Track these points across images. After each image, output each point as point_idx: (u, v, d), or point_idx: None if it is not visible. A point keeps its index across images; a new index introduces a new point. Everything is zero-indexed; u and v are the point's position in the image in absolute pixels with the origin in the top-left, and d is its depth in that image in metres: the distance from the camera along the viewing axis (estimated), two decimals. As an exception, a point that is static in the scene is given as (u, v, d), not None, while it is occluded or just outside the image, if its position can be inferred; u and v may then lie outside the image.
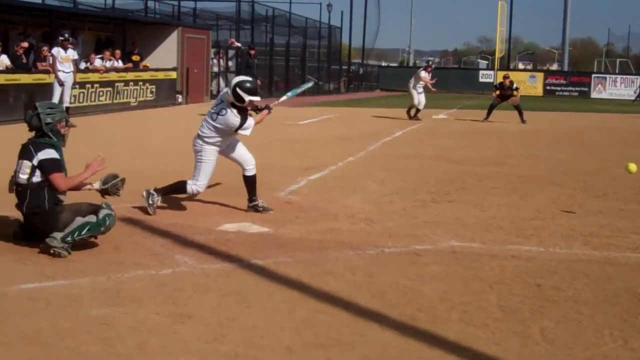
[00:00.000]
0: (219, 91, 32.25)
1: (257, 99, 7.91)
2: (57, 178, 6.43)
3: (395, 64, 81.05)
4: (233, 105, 7.86)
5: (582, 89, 48.83)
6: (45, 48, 19.06)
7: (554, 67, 75.46)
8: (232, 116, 7.87)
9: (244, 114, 7.93)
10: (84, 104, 21.30)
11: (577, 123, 24.44)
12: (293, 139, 16.71)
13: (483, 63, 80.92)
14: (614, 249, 7.05)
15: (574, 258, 6.65)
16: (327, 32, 46.05)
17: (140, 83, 24.72)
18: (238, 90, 7.83)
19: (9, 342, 4.35)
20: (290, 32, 39.56)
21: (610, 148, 16.63)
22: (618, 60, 69.42)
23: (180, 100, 27.45)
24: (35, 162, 6.38)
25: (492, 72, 51.39)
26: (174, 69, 27.04)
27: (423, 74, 22.99)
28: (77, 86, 19.72)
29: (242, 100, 7.84)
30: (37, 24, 22.90)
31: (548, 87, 49.39)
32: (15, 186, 6.50)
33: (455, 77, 51.98)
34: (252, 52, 24.53)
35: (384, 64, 71.36)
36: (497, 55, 53.80)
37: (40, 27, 22.83)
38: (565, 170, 12.37)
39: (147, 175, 10.53)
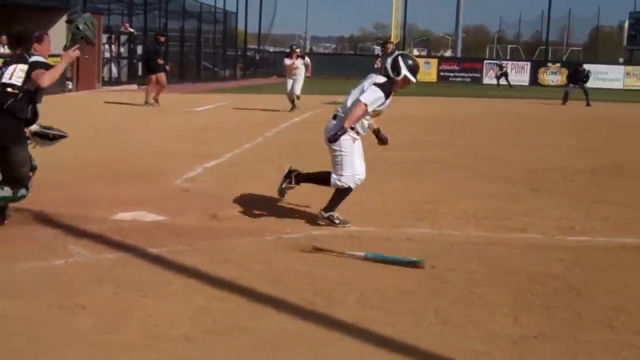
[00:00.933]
0: (110, 78, 31.60)
1: (413, 80, 7.13)
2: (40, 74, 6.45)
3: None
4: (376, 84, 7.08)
5: (475, 75, 50.01)
6: None
7: (448, 53, 77.01)
8: (377, 91, 7.03)
9: (387, 92, 7.11)
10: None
11: (471, 109, 25.05)
12: (189, 126, 16.50)
13: (378, 49, 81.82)
14: (506, 229, 7.28)
15: (467, 240, 6.83)
16: (223, 17, 45.59)
17: (29, 69, 23.92)
18: (400, 61, 7.10)
19: None
20: (185, 17, 39.01)
21: (503, 132, 17.13)
22: (509, 46, 71.31)
23: (70, 87, 26.71)
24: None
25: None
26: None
27: (287, 61, 21.57)
28: None
29: (399, 71, 7.07)
30: None
31: (442, 73, 50.35)
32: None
33: (352, 63, 52.38)
34: (162, 38, 23.51)
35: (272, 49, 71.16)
36: (393, 41, 54.55)
37: None
38: (460, 154, 12.67)
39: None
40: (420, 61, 52.27)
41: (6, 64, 6.69)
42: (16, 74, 6.52)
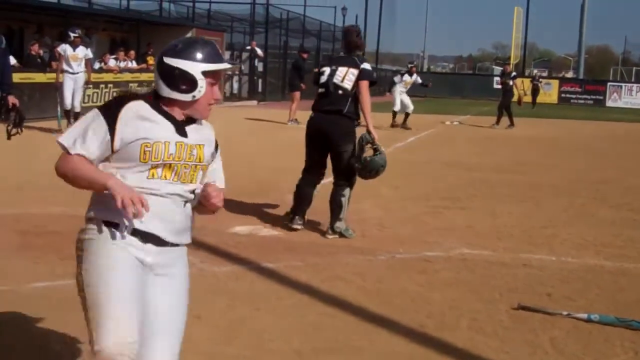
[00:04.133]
0: (232, 92, 32.35)
1: None
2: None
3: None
4: None
5: (598, 97, 48.55)
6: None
7: (570, 74, 75.17)
8: None
9: None
10: (98, 103, 21.37)
11: (592, 131, 24.33)
12: (301, 142, 16.61)
13: (498, 69, 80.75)
14: (626, 259, 7.01)
15: (585, 268, 6.62)
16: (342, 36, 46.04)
17: (154, 84, 24.76)
18: None
19: (15, 344, 4.36)
20: (305, 35, 39.57)
21: (625, 157, 16.55)
22: (634, 68, 69.05)
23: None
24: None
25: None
26: (188, 70, 27.06)
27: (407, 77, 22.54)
28: (90, 86, 19.22)
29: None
30: (52, 24, 23.01)
31: (563, 95, 49.11)
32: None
33: (470, 83, 51.85)
34: (306, 55, 23.66)
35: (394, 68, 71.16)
36: (512, 61, 53.62)
37: (56, 26, 22.95)
38: (578, 179, 12.32)
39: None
40: (542, 82, 51.45)
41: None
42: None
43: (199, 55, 2.94)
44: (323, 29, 42.82)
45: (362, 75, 7.29)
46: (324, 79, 7.35)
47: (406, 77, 22.50)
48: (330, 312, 5.10)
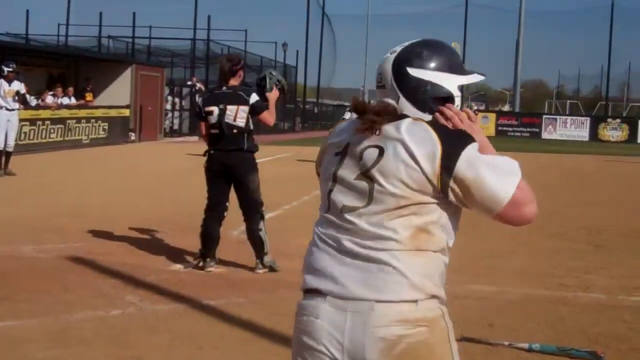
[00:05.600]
0: (172, 129, 32.17)
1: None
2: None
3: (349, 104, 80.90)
4: None
5: (534, 129, 49.58)
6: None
7: (506, 108, 76.61)
8: None
9: None
10: (35, 140, 21.03)
11: (529, 164, 24.73)
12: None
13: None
14: (566, 288, 7.11)
15: (526, 297, 6.69)
16: (283, 70, 46.27)
17: (93, 120, 24.52)
18: None
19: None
20: (246, 71, 39.60)
21: (563, 189, 16.86)
22: (568, 101, 70.75)
23: (133, 137, 27.26)
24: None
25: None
26: (127, 107, 26.89)
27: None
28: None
29: None
30: (-12, 60, 22.63)
31: (500, 128, 50.04)
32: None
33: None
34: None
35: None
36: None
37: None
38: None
39: (94, 213, 10.41)
40: (479, 115, 52.32)
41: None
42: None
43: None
44: (264, 64, 42.96)
45: (255, 110, 7.28)
46: (214, 119, 7.19)
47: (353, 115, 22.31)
48: (274, 350, 5.04)
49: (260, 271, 7.23)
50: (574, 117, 52.10)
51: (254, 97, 7.28)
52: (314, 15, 49.28)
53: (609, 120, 50.14)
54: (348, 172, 2.32)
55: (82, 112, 23.98)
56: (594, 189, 16.98)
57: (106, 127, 25.25)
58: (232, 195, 7.45)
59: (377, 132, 2.28)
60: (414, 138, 2.24)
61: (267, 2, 75.79)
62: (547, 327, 5.81)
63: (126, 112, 26.83)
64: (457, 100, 2.40)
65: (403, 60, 2.35)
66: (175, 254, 7.94)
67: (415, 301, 2.26)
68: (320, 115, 54.31)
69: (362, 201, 2.28)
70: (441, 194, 2.27)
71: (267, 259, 7.26)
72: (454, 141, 2.25)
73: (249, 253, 7.51)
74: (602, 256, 8.71)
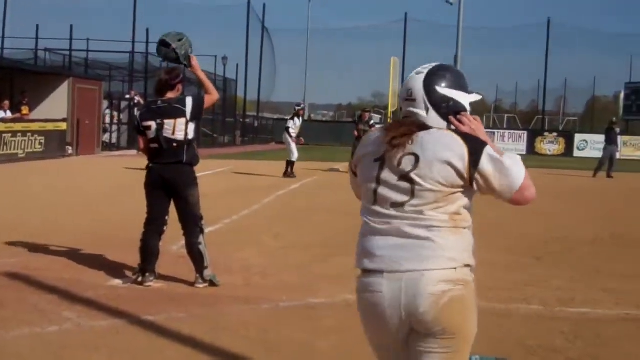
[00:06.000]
0: (111, 142, 31.77)
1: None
2: None
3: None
4: None
5: (472, 143, 50.31)
6: None
7: (445, 122, 77.42)
8: None
9: None
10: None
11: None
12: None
13: (377, 117, 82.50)
14: (512, 301, 7.18)
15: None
16: (222, 84, 46.10)
17: (29, 134, 24.06)
18: None
19: None
20: (185, 85, 39.38)
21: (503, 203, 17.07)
22: (506, 115, 71.90)
23: (70, 151, 26.83)
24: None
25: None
26: (64, 120, 26.46)
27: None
28: None
29: None
30: None
31: (439, 142, 50.66)
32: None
33: (349, 130, 52.63)
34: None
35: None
36: (390, 109, 54.89)
37: None
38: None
39: (30, 228, 10.21)
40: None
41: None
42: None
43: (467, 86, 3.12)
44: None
45: (200, 108, 7.28)
46: (152, 134, 7.11)
47: (296, 121, 21.37)
48: (214, 364, 4.99)
49: (201, 285, 7.16)
50: (512, 131, 52.93)
51: (189, 102, 7.18)
52: (253, 29, 49.22)
53: (546, 134, 51.12)
54: (390, 175, 2.96)
55: (18, 126, 23.53)
56: (537, 202, 17.18)
57: (43, 141, 24.80)
58: (172, 209, 7.35)
59: (410, 142, 2.93)
60: (443, 144, 2.93)
61: (207, 16, 75.41)
62: (489, 339, 5.85)
63: (63, 126, 26.41)
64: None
65: (433, 81, 3.02)
66: (114, 269, 7.81)
67: (455, 268, 3.00)
68: (260, 129, 54.21)
69: (406, 197, 2.94)
70: (468, 184, 2.97)
71: (207, 273, 7.20)
72: (475, 144, 2.95)
73: (189, 267, 7.43)
74: (542, 269, 8.84)
